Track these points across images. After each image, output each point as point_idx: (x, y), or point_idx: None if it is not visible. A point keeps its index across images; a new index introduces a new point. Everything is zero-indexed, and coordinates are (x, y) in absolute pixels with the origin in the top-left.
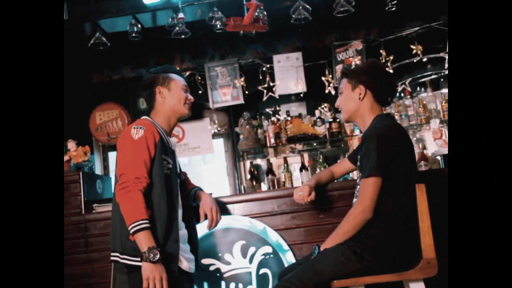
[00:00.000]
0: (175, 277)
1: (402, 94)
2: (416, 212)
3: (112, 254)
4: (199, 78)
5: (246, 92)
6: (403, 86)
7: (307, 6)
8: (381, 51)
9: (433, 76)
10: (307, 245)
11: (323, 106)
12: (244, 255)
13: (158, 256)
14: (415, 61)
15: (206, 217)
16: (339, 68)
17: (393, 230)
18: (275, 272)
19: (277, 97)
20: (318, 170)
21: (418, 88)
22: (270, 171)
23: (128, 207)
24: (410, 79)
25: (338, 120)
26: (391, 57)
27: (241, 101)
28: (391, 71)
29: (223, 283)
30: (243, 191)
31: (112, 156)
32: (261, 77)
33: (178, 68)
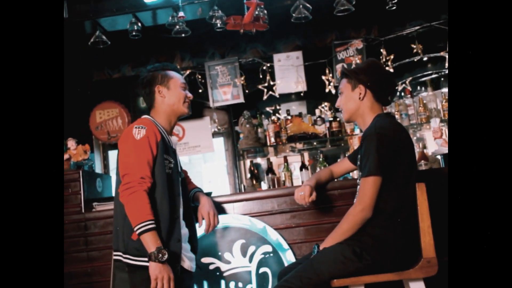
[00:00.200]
0: (178, 276)
1: (402, 93)
2: (416, 211)
3: (114, 253)
4: (199, 76)
5: (246, 91)
6: (404, 85)
7: (308, 5)
8: (381, 50)
9: (433, 75)
10: (307, 244)
11: (323, 105)
12: (244, 254)
13: (166, 256)
14: (415, 60)
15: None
16: (339, 67)
17: (393, 229)
18: (274, 271)
19: (277, 96)
20: (318, 169)
21: (418, 87)
22: (270, 170)
23: (133, 208)
24: (410, 78)
25: (338, 119)
26: (392, 56)
27: (241, 100)
28: (391, 70)
29: (222, 282)
30: (243, 190)
31: (112, 154)
32: (261, 76)
33: (178, 67)
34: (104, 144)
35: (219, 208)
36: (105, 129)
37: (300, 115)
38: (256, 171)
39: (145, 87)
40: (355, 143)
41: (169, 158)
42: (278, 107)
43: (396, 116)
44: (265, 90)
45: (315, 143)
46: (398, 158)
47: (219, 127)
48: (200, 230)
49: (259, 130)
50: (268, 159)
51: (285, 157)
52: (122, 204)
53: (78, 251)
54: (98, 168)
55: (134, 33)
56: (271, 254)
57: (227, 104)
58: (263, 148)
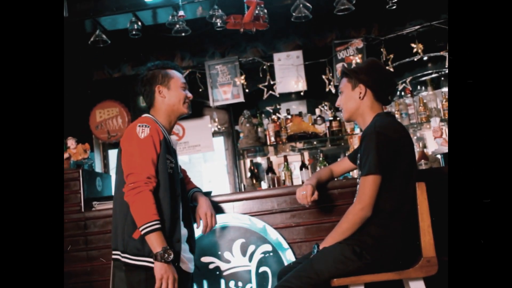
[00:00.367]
0: (178, 277)
1: (402, 93)
2: (416, 210)
3: (113, 252)
4: (200, 76)
5: (247, 90)
6: (404, 84)
7: (308, 4)
8: (381, 49)
9: (433, 75)
10: (307, 243)
11: (323, 105)
12: (243, 253)
13: (171, 256)
14: (415, 59)
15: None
16: (339, 66)
17: (393, 229)
18: (274, 271)
19: (278, 96)
20: (318, 169)
21: (418, 87)
22: (270, 169)
23: (139, 208)
24: (410, 77)
25: (338, 118)
26: (392, 56)
27: (241, 99)
28: (391, 69)
29: (222, 282)
30: (243, 190)
31: (112, 154)
32: (261, 75)
33: (179, 67)
34: (104, 143)
35: (219, 208)
36: (105, 128)
37: (300, 114)
38: (256, 170)
39: (145, 85)
40: (355, 143)
41: (170, 158)
42: (278, 107)
43: (396, 116)
44: (265, 89)
45: (315, 143)
46: (398, 157)
47: (219, 127)
48: (198, 230)
49: (259, 129)
50: (268, 159)
51: (285, 157)
52: (123, 203)
53: (78, 250)
54: (98, 167)
55: (134, 32)
56: (271, 254)
57: (227, 104)
58: (263, 147)
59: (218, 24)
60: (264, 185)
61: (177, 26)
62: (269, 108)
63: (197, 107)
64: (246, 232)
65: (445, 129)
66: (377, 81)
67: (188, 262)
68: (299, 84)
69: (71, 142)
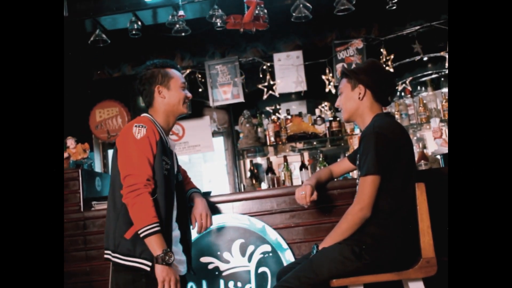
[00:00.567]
0: None
1: (402, 93)
2: (415, 211)
3: (105, 252)
4: (199, 76)
5: (246, 90)
6: (404, 85)
7: (308, 4)
8: (381, 50)
9: (433, 75)
10: (306, 243)
11: (323, 105)
12: (243, 253)
13: (172, 259)
14: (415, 60)
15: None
16: (339, 67)
17: (392, 229)
18: (274, 271)
19: (277, 96)
20: (318, 169)
21: (418, 87)
22: (270, 169)
23: (139, 210)
24: (410, 78)
25: (338, 119)
26: (392, 56)
27: (241, 99)
28: (391, 70)
29: (221, 282)
30: (243, 190)
31: (111, 153)
32: (261, 76)
33: (178, 65)
34: (104, 143)
35: (218, 208)
36: (104, 128)
37: (300, 114)
38: (256, 170)
39: (144, 85)
40: (355, 143)
41: (166, 159)
42: (278, 107)
43: (396, 116)
44: (265, 89)
45: (315, 143)
46: (397, 158)
47: (219, 127)
48: (194, 231)
49: (259, 129)
50: (268, 159)
51: (285, 157)
52: (116, 202)
53: (77, 250)
54: (98, 167)
55: (134, 32)
56: (270, 254)
57: (227, 104)
58: (263, 147)
59: (218, 24)
60: (264, 185)
61: (177, 26)
62: (269, 108)
63: (197, 107)
64: (246, 232)
65: (445, 130)
66: (377, 82)
67: (178, 265)
68: (299, 84)
69: (70, 142)
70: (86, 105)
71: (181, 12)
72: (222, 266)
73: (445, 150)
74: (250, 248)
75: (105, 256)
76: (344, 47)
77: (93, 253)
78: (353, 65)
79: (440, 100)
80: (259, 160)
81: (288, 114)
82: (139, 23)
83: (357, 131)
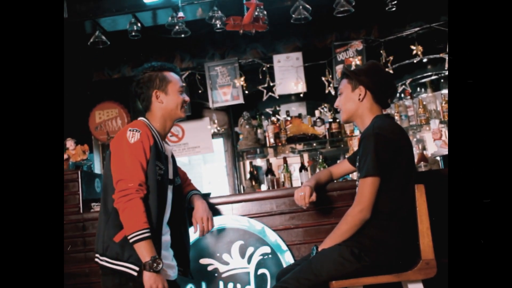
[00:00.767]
0: None
1: (402, 95)
2: (415, 212)
3: (95, 254)
4: (199, 77)
5: (246, 92)
6: (403, 86)
7: (307, 6)
8: (381, 51)
9: (433, 77)
10: (306, 245)
11: (323, 106)
12: (242, 255)
13: (160, 266)
14: (415, 61)
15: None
16: (339, 68)
17: (392, 231)
18: (273, 273)
19: (277, 97)
20: (317, 171)
21: (418, 89)
22: (269, 171)
23: (129, 215)
24: (410, 79)
25: (338, 120)
26: (391, 58)
27: (241, 100)
28: (391, 71)
29: (221, 283)
30: (242, 191)
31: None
32: (261, 77)
33: (176, 66)
34: (104, 144)
35: (218, 209)
36: (104, 129)
37: (299, 116)
38: (255, 172)
39: (142, 88)
40: (354, 145)
41: (159, 164)
42: (277, 108)
43: (396, 118)
44: (265, 91)
45: (314, 144)
46: (397, 159)
47: (218, 128)
48: (194, 234)
49: (259, 131)
50: (268, 160)
51: (284, 158)
52: (107, 205)
53: (77, 251)
54: (97, 169)
55: (133, 33)
56: (270, 255)
57: (226, 105)
58: (262, 149)
59: (218, 25)
60: (263, 186)
61: (177, 27)
62: (268, 110)
63: (197, 108)
64: (245, 234)
65: (445, 131)
66: (377, 84)
67: (167, 269)
68: (299, 86)
69: (70, 143)
70: (86, 107)
71: (180, 14)
72: (222, 268)
73: (445, 151)
74: (250, 249)
75: (95, 259)
76: (344, 49)
77: (92, 254)
78: (353, 67)
79: (440, 102)
80: (259, 161)
81: (288, 115)
82: (139, 24)
83: (356, 132)
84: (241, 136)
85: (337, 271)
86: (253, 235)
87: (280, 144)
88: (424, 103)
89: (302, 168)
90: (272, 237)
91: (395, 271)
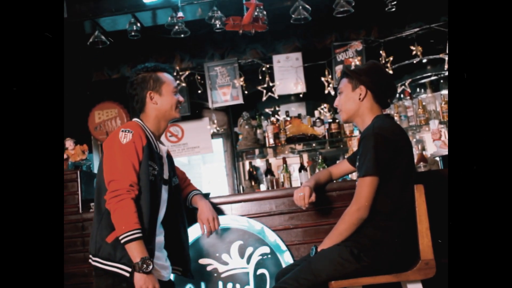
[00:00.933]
0: None
1: (401, 95)
2: (414, 212)
3: (89, 255)
4: (199, 77)
5: (246, 92)
6: (403, 87)
7: (307, 6)
8: (381, 51)
9: (432, 77)
10: (305, 245)
11: (322, 107)
12: (241, 255)
13: (151, 267)
14: (414, 62)
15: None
16: (339, 68)
17: (391, 231)
18: (272, 273)
19: (277, 97)
20: (317, 171)
21: (417, 89)
22: (269, 171)
23: (120, 216)
24: (409, 80)
25: (337, 120)
26: (391, 58)
27: (240, 101)
28: (390, 72)
29: (220, 284)
30: (242, 191)
31: None
32: (260, 77)
33: (177, 68)
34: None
35: (217, 210)
36: (104, 129)
37: (299, 116)
38: (255, 172)
39: (135, 89)
40: (354, 145)
41: (153, 164)
42: (277, 108)
43: (396, 118)
44: (265, 91)
45: (314, 145)
46: (396, 159)
47: (218, 128)
48: (196, 234)
49: (258, 131)
50: (267, 160)
51: (284, 159)
52: (100, 206)
53: (76, 251)
54: (96, 169)
55: (133, 33)
56: (269, 256)
57: (226, 105)
58: (262, 149)
59: (217, 25)
60: (263, 187)
61: (176, 27)
62: (268, 110)
63: (196, 108)
64: (244, 234)
65: (444, 132)
66: (378, 84)
67: (160, 270)
68: (298, 86)
69: (69, 143)
70: (85, 107)
71: (180, 14)
72: (221, 268)
73: (444, 152)
74: (249, 249)
75: (89, 260)
76: (344, 49)
77: None
78: (353, 67)
79: (439, 102)
80: (258, 161)
81: (287, 115)
82: (138, 24)
83: (356, 133)
84: (240, 136)
85: (336, 271)
86: (252, 235)
87: (279, 144)
88: (424, 103)
89: (302, 168)
90: (272, 237)
91: (395, 271)
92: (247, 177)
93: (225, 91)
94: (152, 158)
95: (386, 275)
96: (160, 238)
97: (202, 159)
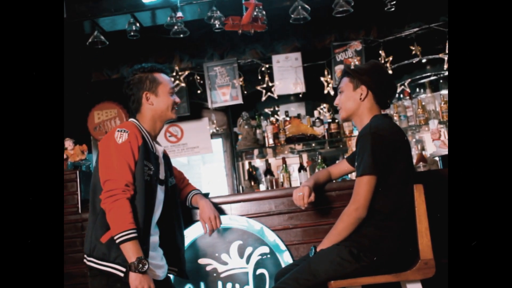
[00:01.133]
0: None
1: (401, 95)
2: (413, 212)
3: (84, 255)
4: (198, 77)
5: (245, 92)
6: (402, 87)
7: (306, 6)
8: (380, 51)
9: (432, 77)
10: (305, 245)
11: (322, 107)
12: (241, 255)
13: (146, 267)
14: (414, 62)
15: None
16: (338, 68)
17: (390, 230)
18: (272, 273)
19: (276, 97)
20: (316, 171)
21: (417, 89)
22: (268, 171)
23: (116, 216)
24: (409, 80)
25: (337, 120)
26: (391, 58)
27: (240, 101)
28: (390, 71)
29: (219, 283)
30: (241, 191)
31: None
32: (260, 77)
33: (176, 68)
34: None
35: (217, 210)
36: (103, 129)
37: (298, 116)
38: (254, 172)
39: (132, 90)
40: (353, 145)
41: (149, 164)
42: (276, 108)
43: (395, 118)
44: (264, 91)
45: (313, 145)
46: (394, 158)
47: (217, 128)
48: (199, 229)
49: (258, 131)
50: (267, 160)
51: (283, 159)
52: (95, 206)
53: (75, 251)
54: None
55: (132, 34)
56: (269, 256)
57: (225, 105)
58: (261, 149)
59: (217, 25)
60: (262, 187)
61: (176, 27)
62: (267, 110)
63: (196, 108)
64: (244, 234)
65: (444, 132)
66: (379, 84)
67: (155, 269)
68: (298, 86)
69: (68, 143)
70: (85, 107)
71: (179, 14)
72: (220, 268)
73: (444, 151)
74: (248, 249)
75: (83, 260)
76: (343, 49)
77: None
78: (352, 67)
79: (439, 102)
80: (258, 161)
81: (287, 115)
82: (138, 24)
83: (355, 132)
84: (240, 137)
85: (335, 271)
86: (251, 235)
87: (279, 144)
88: (423, 103)
89: (301, 168)
90: (271, 237)
91: (394, 271)
92: (246, 177)
93: (225, 91)
94: (148, 158)
95: (386, 275)
96: (154, 238)
97: (202, 159)
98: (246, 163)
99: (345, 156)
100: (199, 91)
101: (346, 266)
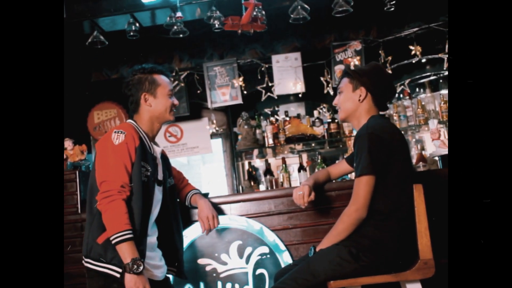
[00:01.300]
0: None
1: (401, 95)
2: (413, 212)
3: (82, 256)
4: (198, 77)
5: (245, 92)
6: (402, 87)
7: (306, 6)
8: (380, 51)
9: (432, 77)
10: (304, 245)
11: (321, 107)
12: (240, 255)
13: (141, 268)
14: (414, 62)
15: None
16: (338, 68)
17: (390, 230)
18: (271, 273)
19: (276, 97)
20: (316, 171)
21: (417, 89)
22: (268, 171)
23: (111, 217)
24: (409, 80)
25: (336, 120)
26: (390, 58)
27: (239, 101)
28: (389, 71)
29: (219, 284)
30: (241, 191)
31: None
32: (259, 77)
33: (176, 68)
34: None
35: (216, 210)
36: (103, 129)
37: (298, 116)
38: (254, 172)
39: (130, 90)
40: (352, 145)
41: (146, 165)
42: (276, 108)
43: (395, 118)
44: (264, 91)
45: (313, 145)
46: (392, 158)
47: (217, 128)
48: (198, 228)
49: (257, 131)
50: (266, 160)
51: (283, 158)
52: (92, 207)
53: (75, 251)
54: None
55: (132, 34)
56: (268, 256)
57: (225, 105)
58: (261, 149)
59: (216, 25)
60: (262, 187)
61: (175, 27)
62: (267, 110)
63: (195, 108)
64: (243, 234)
65: (443, 131)
66: (378, 86)
67: (153, 269)
68: (298, 86)
69: (68, 143)
70: (84, 107)
71: (179, 14)
72: (220, 268)
73: (443, 151)
74: (248, 249)
75: (82, 261)
76: (343, 49)
77: None
78: (352, 67)
79: (439, 102)
80: (258, 161)
81: (287, 115)
82: (137, 24)
83: (355, 132)
84: (239, 137)
85: (335, 271)
86: (251, 235)
87: (278, 144)
88: (423, 103)
89: (301, 168)
90: (271, 237)
91: (393, 271)
92: (246, 177)
93: (224, 91)
94: (145, 159)
95: (385, 275)
96: (152, 239)
97: (202, 159)
98: (246, 163)
99: (344, 156)
100: (198, 91)
101: (345, 266)
